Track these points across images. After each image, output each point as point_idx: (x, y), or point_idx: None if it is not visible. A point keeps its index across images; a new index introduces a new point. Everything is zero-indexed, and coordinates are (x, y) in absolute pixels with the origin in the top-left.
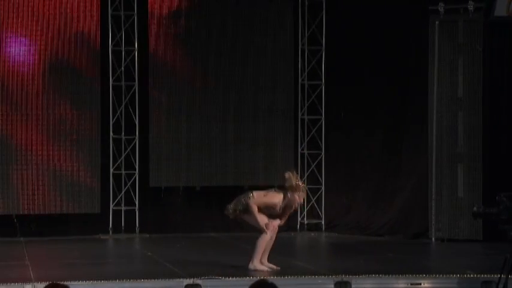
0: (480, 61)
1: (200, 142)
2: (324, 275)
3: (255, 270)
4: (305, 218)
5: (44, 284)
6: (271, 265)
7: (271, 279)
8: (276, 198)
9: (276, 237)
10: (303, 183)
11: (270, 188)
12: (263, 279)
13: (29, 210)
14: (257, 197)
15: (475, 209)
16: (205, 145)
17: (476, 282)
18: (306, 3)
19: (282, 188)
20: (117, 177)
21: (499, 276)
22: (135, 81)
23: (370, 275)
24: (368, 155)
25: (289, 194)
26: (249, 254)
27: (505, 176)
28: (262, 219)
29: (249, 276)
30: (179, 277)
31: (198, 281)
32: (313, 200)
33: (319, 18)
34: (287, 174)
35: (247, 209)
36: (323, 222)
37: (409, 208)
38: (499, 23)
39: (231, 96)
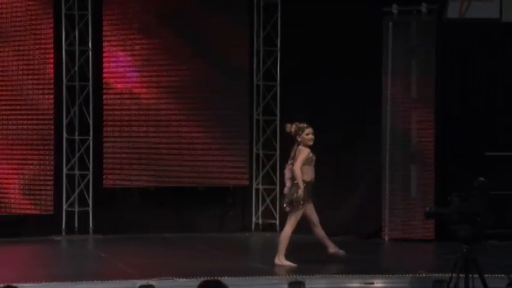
0: (433, 62)
1: (155, 143)
2: (278, 275)
3: (282, 265)
4: (260, 219)
5: None
6: (289, 262)
7: (230, 280)
8: (304, 151)
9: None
10: (298, 123)
11: (292, 150)
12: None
13: None
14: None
15: (427, 209)
16: (159, 146)
17: (428, 281)
18: (261, 3)
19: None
20: (70, 178)
21: (450, 275)
22: (89, 81)
23: (324, 275)
24: (322, 156)
25: (298, 139)
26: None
27: (457, 177)
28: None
29: (203, 277)
30: (133, 278)
31: (152, 282)
32: (268, 200)
33: (274, 19)
34: (287, 128)
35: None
36: (277, 223)
37: (362, 208)
38: (451, 24)
39: (186, 96)
